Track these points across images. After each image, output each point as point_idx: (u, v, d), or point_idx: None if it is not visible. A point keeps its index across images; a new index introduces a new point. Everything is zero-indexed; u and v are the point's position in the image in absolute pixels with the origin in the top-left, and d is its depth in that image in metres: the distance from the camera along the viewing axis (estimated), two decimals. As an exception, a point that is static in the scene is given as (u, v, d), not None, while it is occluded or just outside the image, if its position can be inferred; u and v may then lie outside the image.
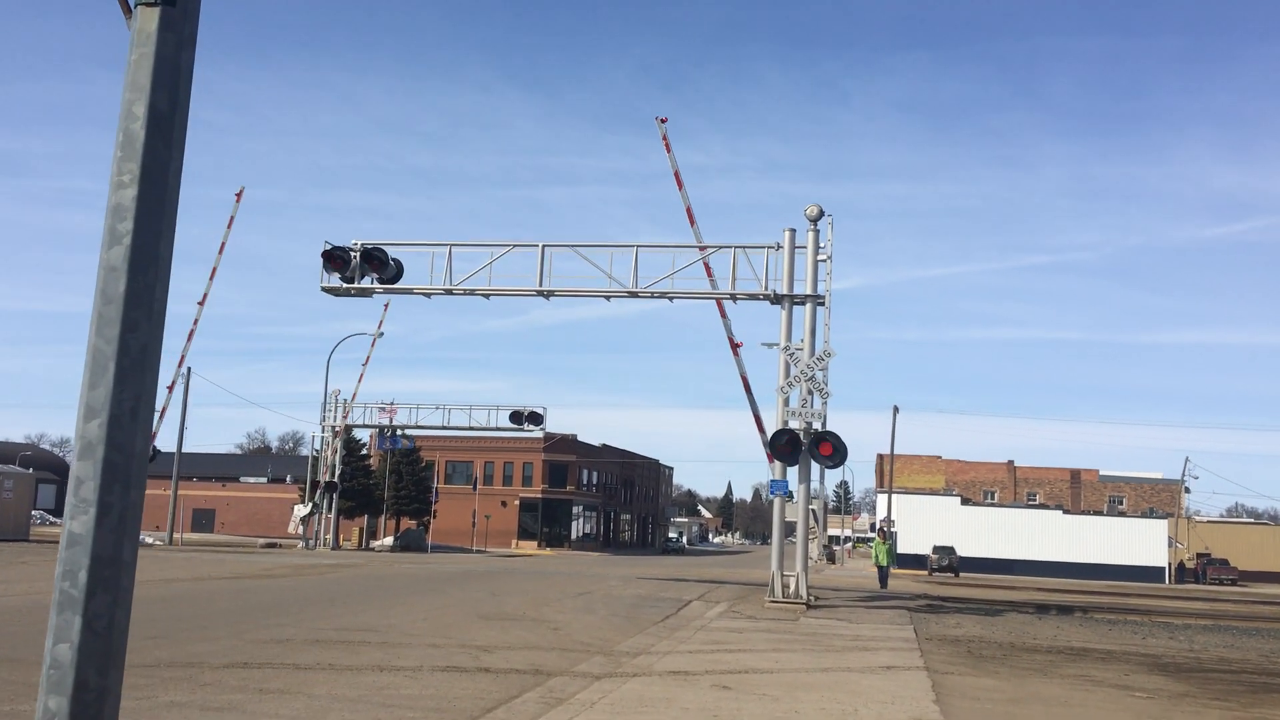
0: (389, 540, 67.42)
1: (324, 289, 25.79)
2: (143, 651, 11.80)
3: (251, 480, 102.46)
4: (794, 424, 22.29)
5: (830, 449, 21.85)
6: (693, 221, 25.60)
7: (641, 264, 24.96)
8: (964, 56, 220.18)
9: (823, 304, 23.14)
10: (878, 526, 41.35)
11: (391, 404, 58.87)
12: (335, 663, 11.73)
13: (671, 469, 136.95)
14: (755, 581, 30.60)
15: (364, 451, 71.23)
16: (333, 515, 57.03)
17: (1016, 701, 11.16)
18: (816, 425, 22.20)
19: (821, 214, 23.14)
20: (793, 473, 22.74)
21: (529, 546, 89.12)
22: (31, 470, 45.24)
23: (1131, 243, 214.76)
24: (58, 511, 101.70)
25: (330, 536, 56.41)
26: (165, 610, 16.50)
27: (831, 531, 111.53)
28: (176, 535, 56.16)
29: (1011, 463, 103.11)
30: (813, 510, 23.06)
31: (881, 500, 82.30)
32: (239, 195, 47.09)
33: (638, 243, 24.66)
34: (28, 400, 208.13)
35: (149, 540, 53.30)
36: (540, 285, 25.21)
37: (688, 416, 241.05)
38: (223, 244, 46.75)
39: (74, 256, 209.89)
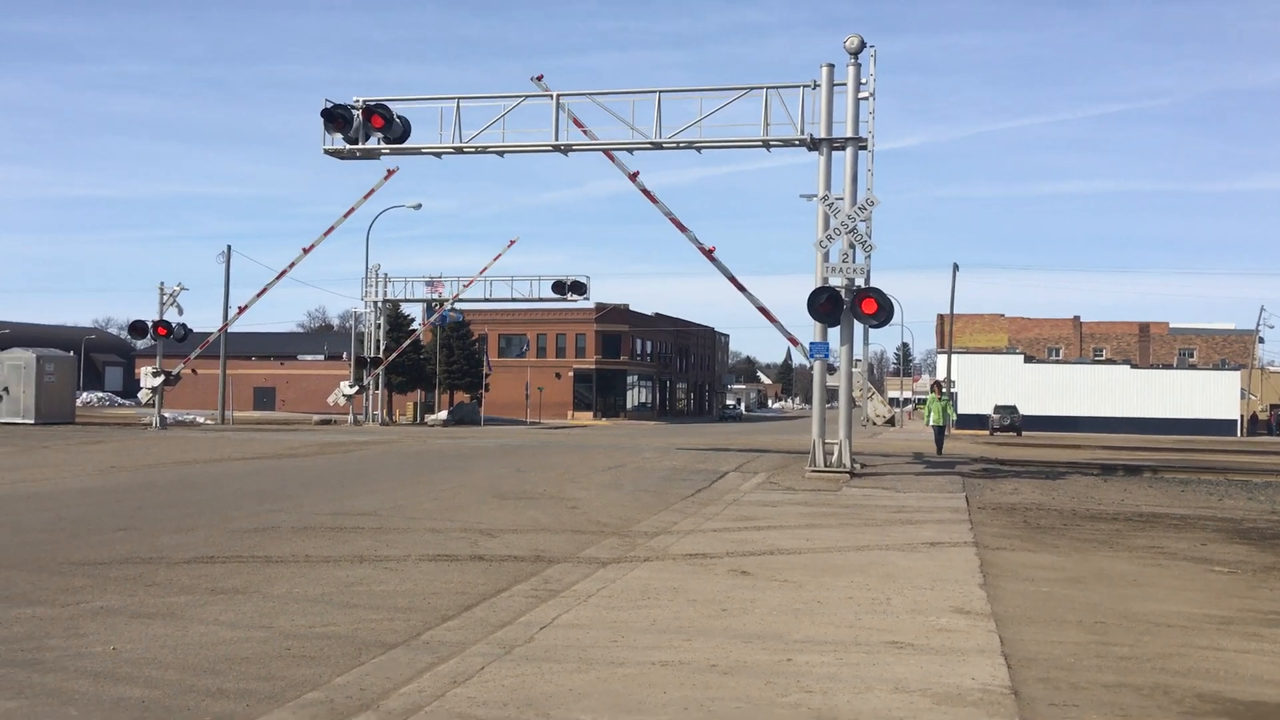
0: (443, 415, 67.28)
1: (327, 151, 24.21)
2: (104, 546, 10.81)
3: (308, 358, 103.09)
4: (834, 281, 20.55)
5: (874, 306, 20.14)
6: (613, 159, 23.77)
7: (670, 114, 23.07)
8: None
9: (865, 147, 21.11)
10: (932, 382, 39.44)
11: (438, 278, 57.91)
12: (314, 554, 10.63)
13: (727, 336, 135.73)
14: (802, 449, 29.30)
15: (413, 326, 70.71)
16: (379, 391, 56.67)
17: (1077, 582, 9.75)
18: (859, 281, 20.45)
19: (863, 45, 20.88)
20: (834, 334, 21.13)
21: (584, 417, 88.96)
22: (72, 354, 44.96)
23: (1209, 87, 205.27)
24: (125, 393, 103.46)
25: (378, 412, 56.15)
26: (158, 496, 15.61)
27: (891, 394, 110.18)
28: (229, 414, 56.25)
29: (1077, 318, 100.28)
30: (857, 372, 21.50)
31: (941, 361, 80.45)
32: (390, 173, 45.27)
33: (660, 88, 22.67)
34: (93, 285, 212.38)
35: (199, 419, 53.37)
36: (556, 140, 23.42)
37: (746, 283, 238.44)
38: (351, 209, 44.33)
39: (131, 141, 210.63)
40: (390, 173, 43.45)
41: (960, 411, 72.18)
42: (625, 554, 11.10)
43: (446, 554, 10.84)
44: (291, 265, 40.02)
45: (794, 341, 22.65)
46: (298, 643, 7.20)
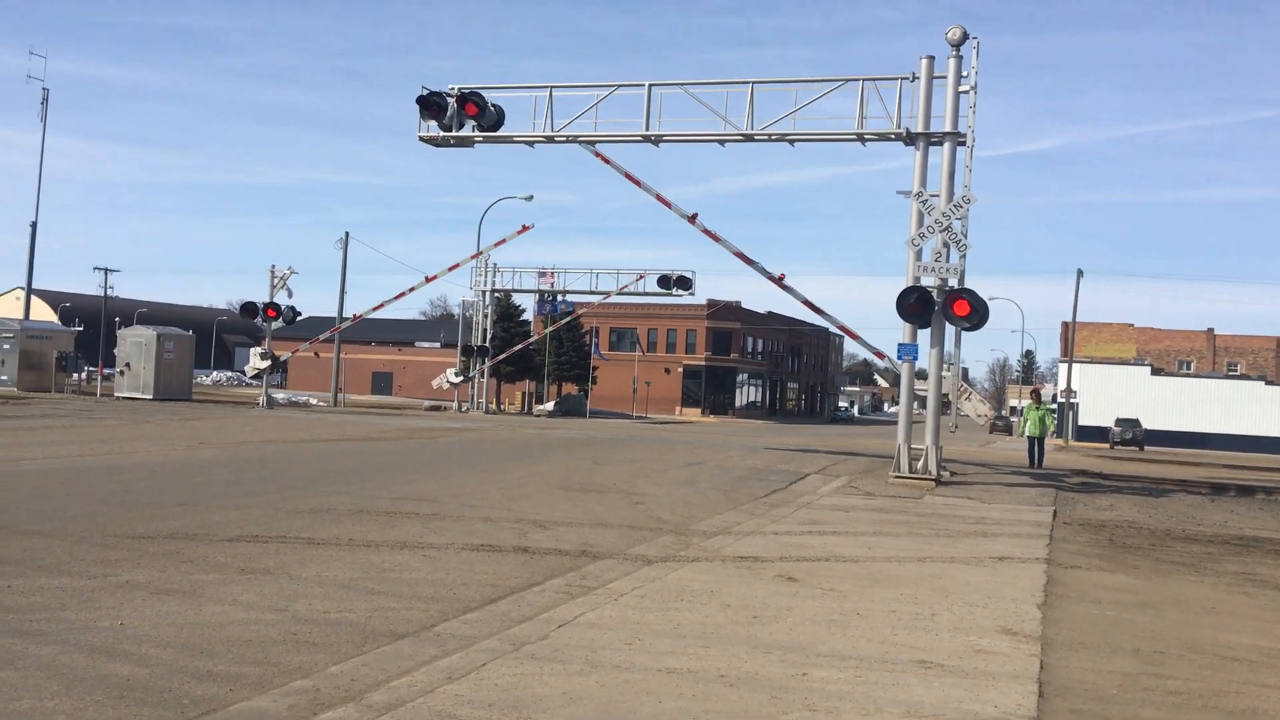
0: (549, 406, 67.74)
1: (422, 138, 24.33)
2: (154, 520, 10.93)
3: (426, 345, 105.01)
4: (926, 280, 19.80)
5: (967, 308, 19.29)
6: (669, 205, 24.16)
7: (769, 108, 22.63)
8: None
9: (963, 143, 20.26)
10: (1030, 390, 37.80)
11: (550, 269, 58.36)
12: (358, 538, 10.56)
13: (842, 338, 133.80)
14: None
15: (524, 316, 71.42)
16: (484, 379, 57.30)
17: (1148, 606, 9.07)
18: (952, 282, 19.65)
19: (966, 37, 20.01)
20: (925, 336, 20.40)
21: (693, 414, 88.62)
22: (192, 333, 46.35)
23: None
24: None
25: (483, 400, 56.77)
26: (229, 473, 15.83)
27: (1011, 402, 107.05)
28: (342, 396, 57.59)
29: (1211, 330, 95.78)
30: (948, 376, 20.72)
31: (1063, 370, 77.74)
32: (525, 228, 47.58)
33: (753, 78, 22.17)
34: (232, 267, 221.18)
35: (311, 401, 54.72)
36: (647, 130, 23.12)
37: (867, 284, 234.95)
38: (480, 251, 47.85)
39: (273, 130, 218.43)
40: (525, 228, 45.59)
41: (1080, 423, 69.57)
42: (675, 553, 10.78)
43: (491, 544, 10.66)
44: (411, 289, 44.81)
45: (879, 355, 22.15)
46: (306, 628, 7.08)
